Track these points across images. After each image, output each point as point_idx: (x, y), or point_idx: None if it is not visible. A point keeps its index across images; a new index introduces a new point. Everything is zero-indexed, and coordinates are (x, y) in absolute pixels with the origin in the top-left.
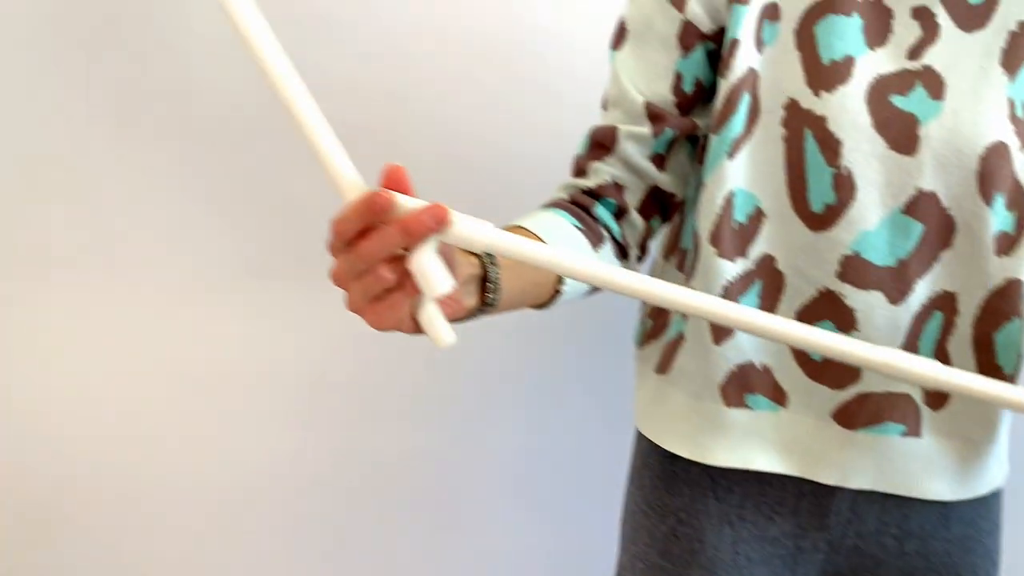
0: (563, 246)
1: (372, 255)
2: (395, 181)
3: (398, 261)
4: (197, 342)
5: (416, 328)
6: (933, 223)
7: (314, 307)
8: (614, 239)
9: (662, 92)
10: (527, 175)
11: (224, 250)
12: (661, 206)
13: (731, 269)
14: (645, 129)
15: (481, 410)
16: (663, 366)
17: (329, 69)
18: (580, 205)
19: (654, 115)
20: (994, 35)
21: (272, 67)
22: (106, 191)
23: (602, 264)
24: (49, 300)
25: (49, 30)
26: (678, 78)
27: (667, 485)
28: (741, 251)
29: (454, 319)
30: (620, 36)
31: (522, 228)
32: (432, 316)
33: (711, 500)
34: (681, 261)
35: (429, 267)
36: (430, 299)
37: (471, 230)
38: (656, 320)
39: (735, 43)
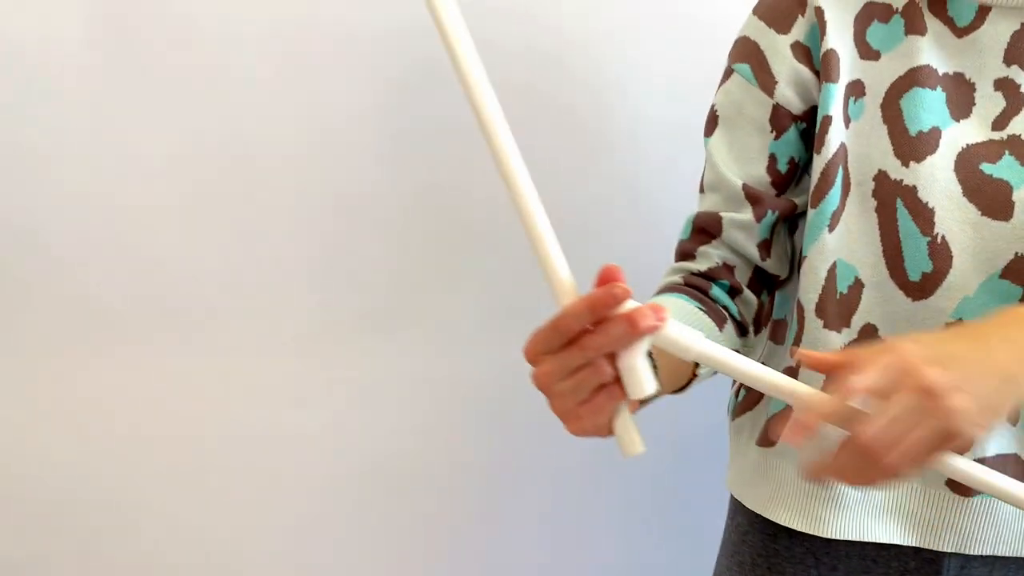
0: (692, 330)
1: (598, 348)
2: (612, 278)
3: (611, 359)
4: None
5: (611, 432)
6: None
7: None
8: (733, 318)
9: (757, 174)
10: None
11: (286, 310)
12: (767, 283)
13: (837, 340)
14: (747, 215)
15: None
16: (767, 439)
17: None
18: (696, 288)
19: (752, 197)
20: None
21: (511, 165)
22: (164, 249)
23: (800, 384)
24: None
25: (110, 77)
26: (772, 159)
27: (769, 563)
28: (846, 322)
29: None
30: (712, 123)
31: None
32: (628, 420)
33: None
34: (774, 331)
35: (641, 367)
36: (629, 401)
37: (683, 335)
38: (750, 392)
39: (827, 120)
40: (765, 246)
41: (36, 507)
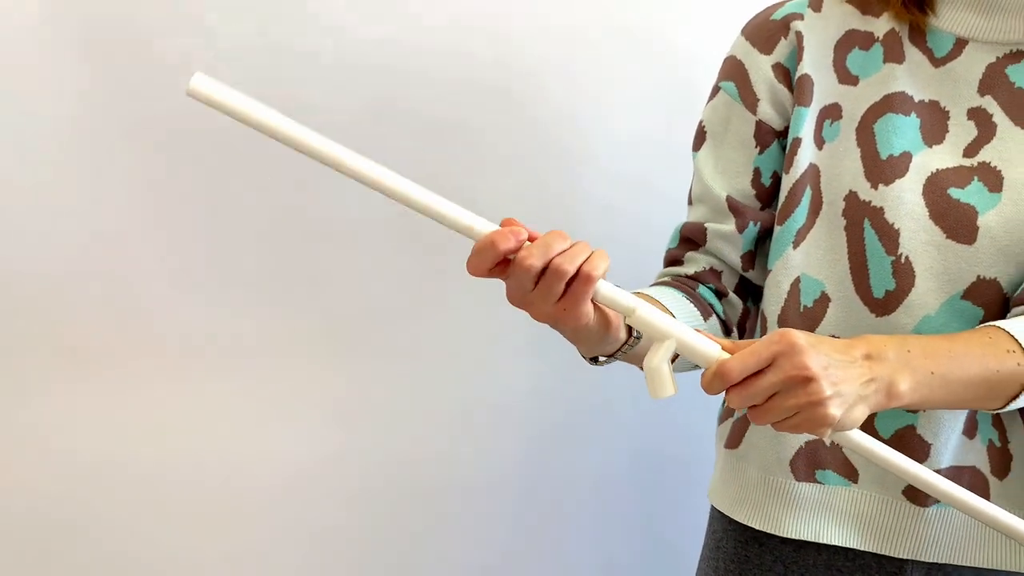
0: (680, 311)
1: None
2: (510, 223)
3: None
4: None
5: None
6: (993, 308)
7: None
8: (718, 316)
9: (742, 187)
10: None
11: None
12: (752, 292)
13: None
14: (730, 226)
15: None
16: (734, 441)
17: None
18: (685, 286)
19: (735, 209)
20: None
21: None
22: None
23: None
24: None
25: (82, 96)
26: (757, 173)
27: (740, 569)
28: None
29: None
30: (700, 138)
31: (641, 293)
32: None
33: None
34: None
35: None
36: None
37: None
38: None
39: (797, 141)
40: (749, 257)
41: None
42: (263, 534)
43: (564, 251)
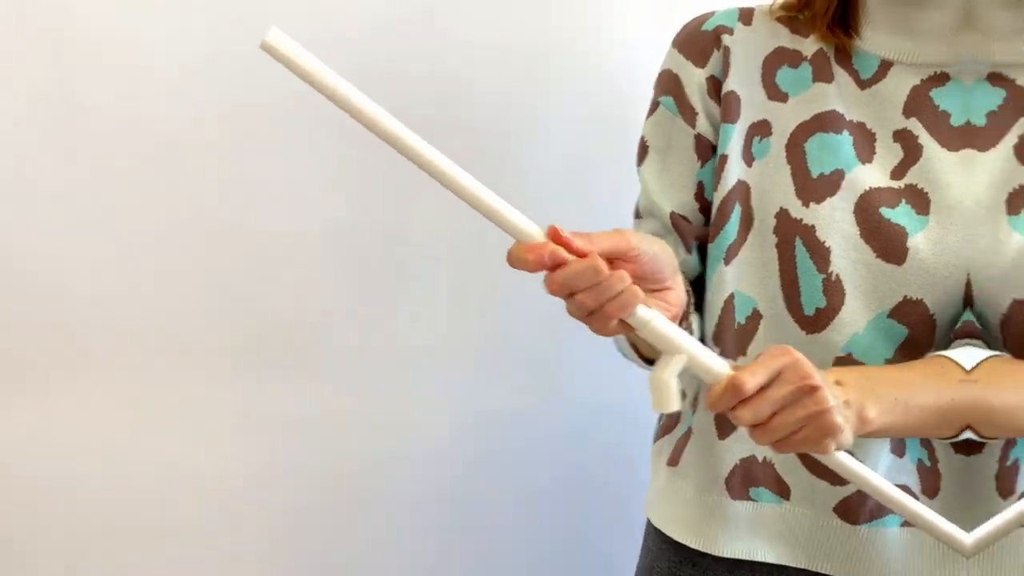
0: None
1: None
2: (556, 238)
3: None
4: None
5: (619, 332)
6: (919, 327)
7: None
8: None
9: (686, 200)
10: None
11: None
12: None
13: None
14: (681, 253)
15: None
16: (673, 459)
17: None
18: None
19: (678, 227)
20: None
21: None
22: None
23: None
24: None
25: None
26: (700, 187)
27: None
28: (742, 350)
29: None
30: (643, 153)
31: None
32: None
33: None
34: None
35: None
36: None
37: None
38: (670, 416)
39: (724, 158)
40: (701, 279)
41: None
42: (204, 544)
43: (591, 287)
